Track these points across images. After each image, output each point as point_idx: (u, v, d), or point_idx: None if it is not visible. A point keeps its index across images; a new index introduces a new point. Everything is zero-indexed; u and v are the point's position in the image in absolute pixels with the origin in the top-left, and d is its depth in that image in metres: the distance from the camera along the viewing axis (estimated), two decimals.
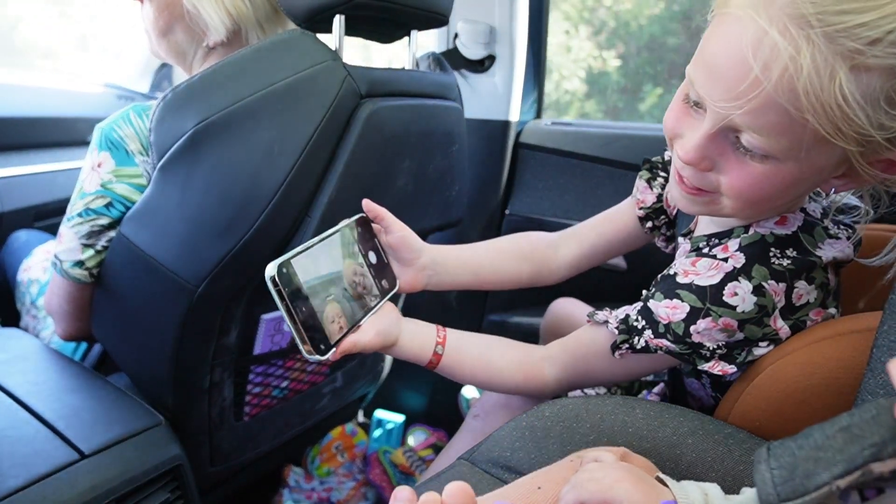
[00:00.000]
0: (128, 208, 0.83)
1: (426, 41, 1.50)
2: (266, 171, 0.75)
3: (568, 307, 1.09)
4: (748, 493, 0.46)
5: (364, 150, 0.82)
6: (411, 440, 1.51)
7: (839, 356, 0.58)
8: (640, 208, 0.83)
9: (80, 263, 0.85)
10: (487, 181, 1.50)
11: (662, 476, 0.51)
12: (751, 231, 0.63)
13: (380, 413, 1.54)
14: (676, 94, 0.60)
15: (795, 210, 0.63)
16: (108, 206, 0.82)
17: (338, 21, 0.82)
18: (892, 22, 0.46)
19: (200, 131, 0.74)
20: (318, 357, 0.59)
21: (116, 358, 0.96)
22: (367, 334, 0.65)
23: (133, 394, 0.85)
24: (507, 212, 1.51)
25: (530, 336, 1.12)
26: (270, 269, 0.56)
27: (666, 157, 0.83)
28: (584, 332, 0.73)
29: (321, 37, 0.82)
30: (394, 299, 0.73)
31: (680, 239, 0.73)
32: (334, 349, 0.61)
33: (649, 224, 0.82)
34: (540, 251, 0.87)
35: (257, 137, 0.75)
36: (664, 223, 0.83)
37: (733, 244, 0.62)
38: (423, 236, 1.14)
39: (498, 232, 1.52)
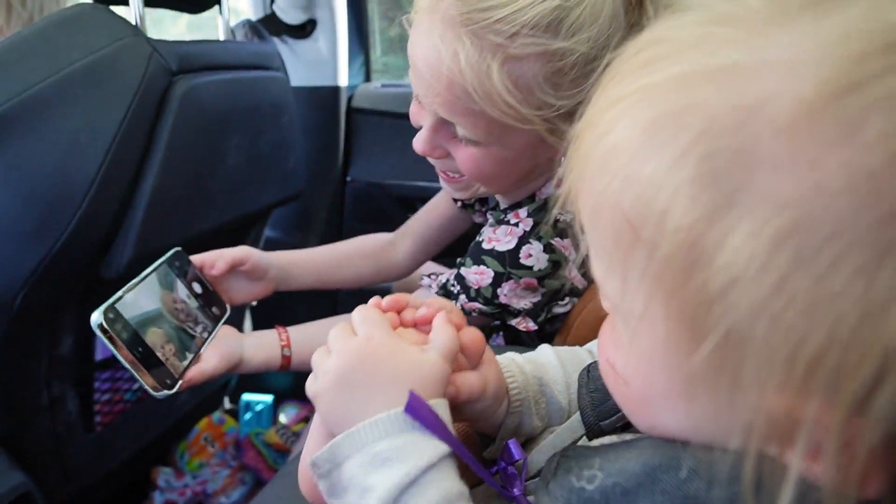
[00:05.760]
0: None
1: (240, 8, 1.43)
2: (75, 165, 0.70)
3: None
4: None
5: (185, 131, 0.79)
6: (283, 417, 1.50)
7: None
8: None
9: None
10: (324, 150, 1.48)
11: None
12: (536, 198, 0.69)
13: (247, 396, 1.51)
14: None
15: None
16: None
17: None
18: (525, 14, 0.51)
19: None
20: (165, 392, 0.60)
21: None
22: (211, 361, 0.66)
23: None
24: (348, 179, 1.51)
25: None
26: (96, 317, 0.56)
27: None
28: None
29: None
30: (237, 318, 0.73)
31: (488, 213, 0.78)
32: (180, 382, 0.62)
33: (459, 203, 0.86)
34: (380, 249, 0.91)
35: (58, 127, 0.69)
36: (476, 200, 0.87)
37: (523, 211, 0.68)
38: (265, 213, 1.12)
39: (342, 200, 1.53)
